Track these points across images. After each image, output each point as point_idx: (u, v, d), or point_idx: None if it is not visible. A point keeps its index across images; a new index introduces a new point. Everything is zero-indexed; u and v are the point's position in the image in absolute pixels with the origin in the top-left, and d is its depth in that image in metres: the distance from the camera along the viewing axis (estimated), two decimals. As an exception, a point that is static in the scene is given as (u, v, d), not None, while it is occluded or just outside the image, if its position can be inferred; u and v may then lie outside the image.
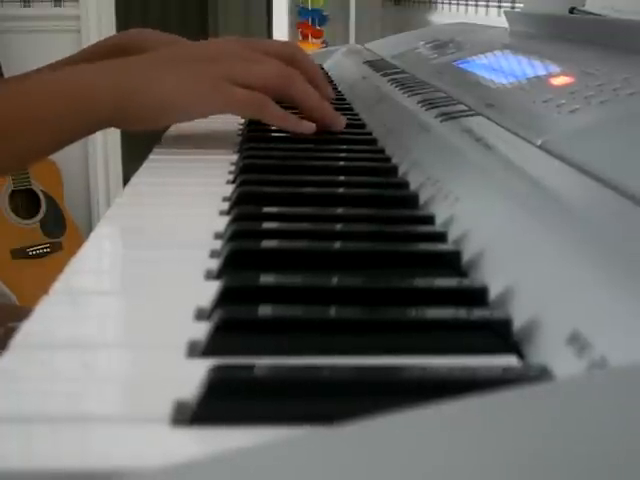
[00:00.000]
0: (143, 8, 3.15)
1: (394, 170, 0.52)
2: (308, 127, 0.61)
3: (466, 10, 2.04)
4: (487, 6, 1.90)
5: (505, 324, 0.28)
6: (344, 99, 0.83)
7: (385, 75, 0.80)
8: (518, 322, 0.28)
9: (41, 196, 2.20)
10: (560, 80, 0.53)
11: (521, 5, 1.22)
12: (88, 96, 0.57)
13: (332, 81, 0.97)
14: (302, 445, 0.15)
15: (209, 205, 0.45)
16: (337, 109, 0.67)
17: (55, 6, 2.34)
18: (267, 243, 0.36)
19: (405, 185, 0.48)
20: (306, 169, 0.52)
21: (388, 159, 0.55)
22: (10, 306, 1.73)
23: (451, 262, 0.35)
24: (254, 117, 0.62)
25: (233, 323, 0.27)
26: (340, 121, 0.63)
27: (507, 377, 0.24)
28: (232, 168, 0.54)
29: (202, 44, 0.64)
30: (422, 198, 0.45)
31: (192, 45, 0.64)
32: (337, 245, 0.36)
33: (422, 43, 0.91)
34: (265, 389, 0.23)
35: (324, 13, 2.91)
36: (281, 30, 3.21)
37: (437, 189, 0.44)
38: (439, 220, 0.40)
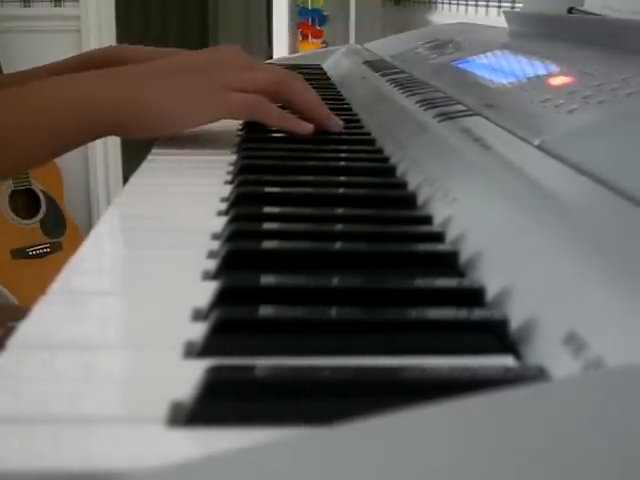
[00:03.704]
0: (143, 8, 3.15)
1: (392, 170, 0.52)
2: (306, 128, 0.61)
3: (466, 10, 2.04)
4: (487, 6, 1.90)
5: (502, 324, 0.28)
6: (343, 99, 0.83)
7: (384, 75, 0.80)
8: (515, 322, 0.28)
9: (41, 196, 2.19)
10: (559, 80, 0.53)
11: (520, 5, 1.22)
12: (87, 106, 0.57)
13: (330, 79, 0.97)
14: (301, 445, 0.15)
15: (207, 205, 0.45)
16: (336, 109, 0.67)
17: (55, 6, 2.33)
18: (265, 244, 0.36)
19: (403, 185, 0.48)
20: (304, 169, 0.52)
21: (386, 159, 0.55)
22: (10, 306, 1.73)
23: (449, 262, 0.35)
24: (252, 119, 0.63)
25: (230, 324, 0.27)
26: (337, 123, 0.64)
27: (504, 377, 0.24)
28: (230, 168, 0.54)
29: (198, 54, 0.64)
30: (420, 198, 0.45)
31: (188, 55, 0.64)
32: (335, 245, 0.36)
33: (421, 43, 0.91)
34: (262, 390, 0.23)
35: (324, 13, 2.91)
36: (281, 30, 3.20)
37: (435, 189, 0.44)
38: (437, 220, 0.40)
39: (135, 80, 0.59)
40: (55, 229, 2.21)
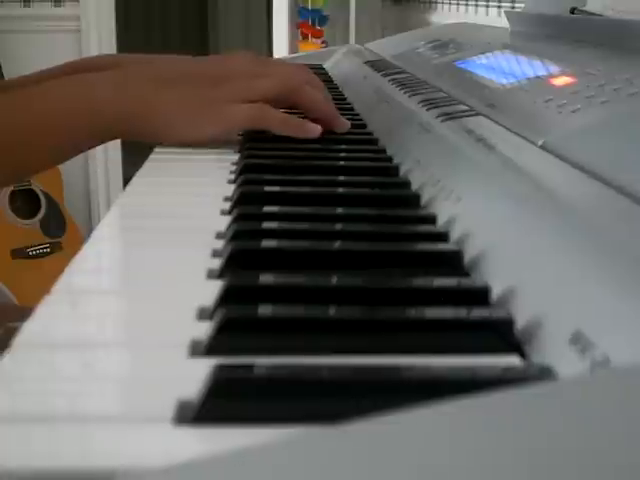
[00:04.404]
0: (143, 8, 3.15)
1: (396, 170, 0.52)
2: (313, 130, 0.60)
3: (466, 10, 2.04)
4: (487, 6, 1.90)
5: (507, 324, 0.28)
6: (345, 99, 0.83)
7: (386, 75, 0.80)
8: (520, 322, 0.28)
9: (41, 196, 2.19)
10: (561, 80, 0.53)
11: (521, 5, 1.22)
12: (93, 108, 0.56)
13: (332, 80, 0.97)
14: (303, 445, 0.15)
15: (210, 205, 0.45)
16: (339, 109, 0.67)
17: (55, 6, 2.33)
18: (268, 243, 0.36)
19: (407, 185, 0.48)
20: (307, 169, 0.52)
21: (389, 159, 0.55)
22: (10, 306, 1.73)
23: (453, 262, 0.35)
24: (258, 129, 0.61)
25: (235, 322, 0.27)
26: (344, 124, 0.64)
27: (509, 377, 0.24)
28: (233, 168, 0.54)
29: (207, 62, 0.63)
30: (424, 198, 0.45)
31: (199, 62, 0.63)
32: (339, 245, 0.36)
33: (422, 43, 0.91)
34: (267, 388, 0.23)
35: (324, 13, 2.91)
36: (281, 30, 3.20)
37: (439, 189, 0.44)
38: (441, 220, 0.40)
39: (140, 86, 0.58)
40: (55, 229, 2.21)
